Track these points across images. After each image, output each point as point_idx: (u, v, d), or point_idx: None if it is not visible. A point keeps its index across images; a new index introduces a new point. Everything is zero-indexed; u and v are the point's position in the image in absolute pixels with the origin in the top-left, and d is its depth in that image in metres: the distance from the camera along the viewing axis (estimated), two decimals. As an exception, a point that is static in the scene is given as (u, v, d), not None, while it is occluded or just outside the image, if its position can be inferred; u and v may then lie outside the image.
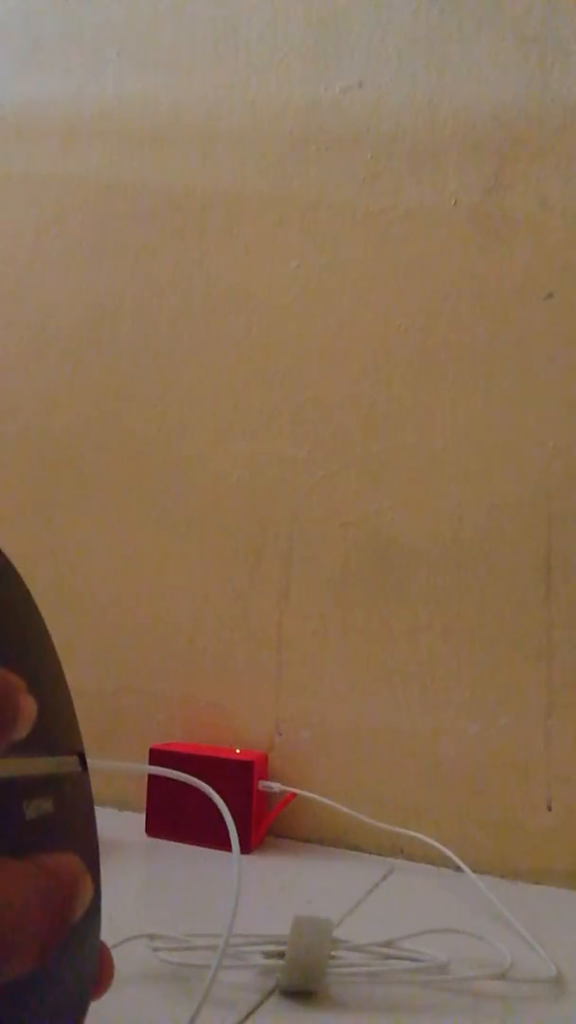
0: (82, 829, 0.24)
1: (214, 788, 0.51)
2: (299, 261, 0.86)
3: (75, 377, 0.95)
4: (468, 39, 0.81)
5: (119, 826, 0.79)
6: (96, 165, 0.96)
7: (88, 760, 0.26)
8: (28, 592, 0.26)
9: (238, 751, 0.80)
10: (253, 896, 0.64)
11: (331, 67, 0.86)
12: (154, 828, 0.78)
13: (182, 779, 0.49)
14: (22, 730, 0.20)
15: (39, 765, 0.23)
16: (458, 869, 0.71)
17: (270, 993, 0.49)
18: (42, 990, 0.20)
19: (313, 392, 0.84)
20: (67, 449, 0.94)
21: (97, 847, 0.25)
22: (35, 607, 0.26)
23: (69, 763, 0.25)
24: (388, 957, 0.52)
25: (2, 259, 1.00)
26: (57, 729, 0.25)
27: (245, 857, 0.72)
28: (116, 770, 0.85)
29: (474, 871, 0.70)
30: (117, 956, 0.51)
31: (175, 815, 0.77)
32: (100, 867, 0.25)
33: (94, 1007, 0.24)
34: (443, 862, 0.73)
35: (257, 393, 0.86)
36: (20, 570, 0.26)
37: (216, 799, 0.49)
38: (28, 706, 0.20)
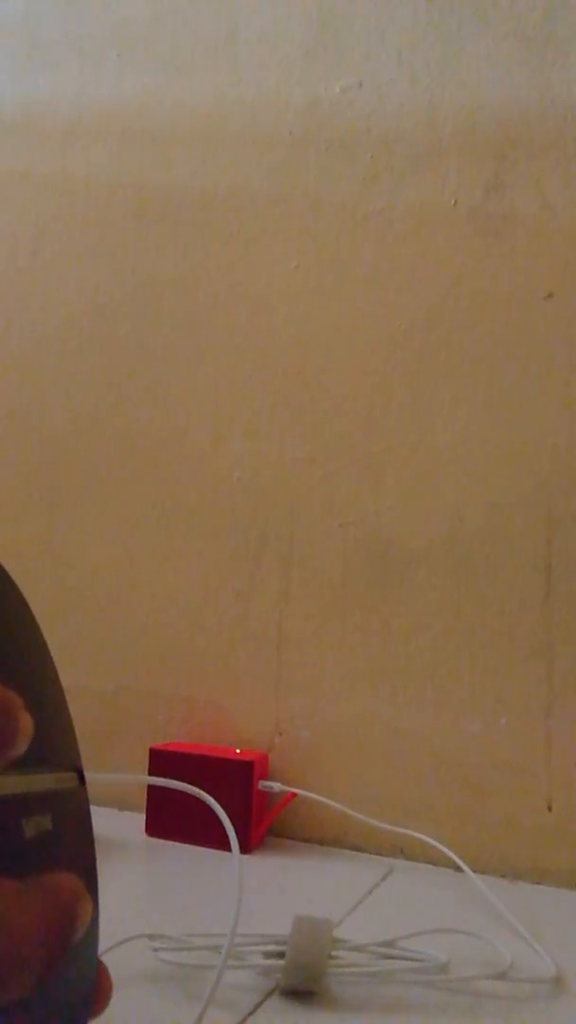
0: (80, 845, 0.24)
1: (214, 788, 0.51)
2: (299, 261, 0.86)
3: (75, 377, 0.95)
4: (468, 39, 0.81)
5: (119, 826, 0.79)
6: (96, 165, 0.96)
7: (86, 774, 0.26)
8: (27, 606, 0.26)
9: (238, 751, 0.80)
10: (253, 896, 0.64)
11: (331, 67, 0.86)
12: (154, 828, 0.78)
13: (180, 788, 0.49)
14: (20, 747, 0.20)
15: (38, 782, 0.23)
16: (458, 869, 0.71)
17: (270, 993, 0.49)
18: (39, 1009, 0.20)
19: (313, 392, 0.84)
20: (67, 449, 0.94)
21: (95, 863, 0.25)
22: (33, 621, 0.26)
23: (67, 779, 0.25)
24: (388, 957, 0.52)
25: (2, 259, 1.00)
26: (56, 745, 0.25)
27: (245, 857, 0.72)
28: (115, 782, 0.85)
29: (474, 871, 0.70)
30: (117, 956, 0.51)
31: (175, 815, 0.77)
32: (98, 882, 0.25)
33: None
34: (443, 862, 0.73)
35: (257, 393, 0.86)
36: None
37: (215, 806, 0.49)
38: (26, 723, 0.20)
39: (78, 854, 0.24)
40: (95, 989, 0.24)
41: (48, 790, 0.23)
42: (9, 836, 0.20)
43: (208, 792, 0.51)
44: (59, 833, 0.23)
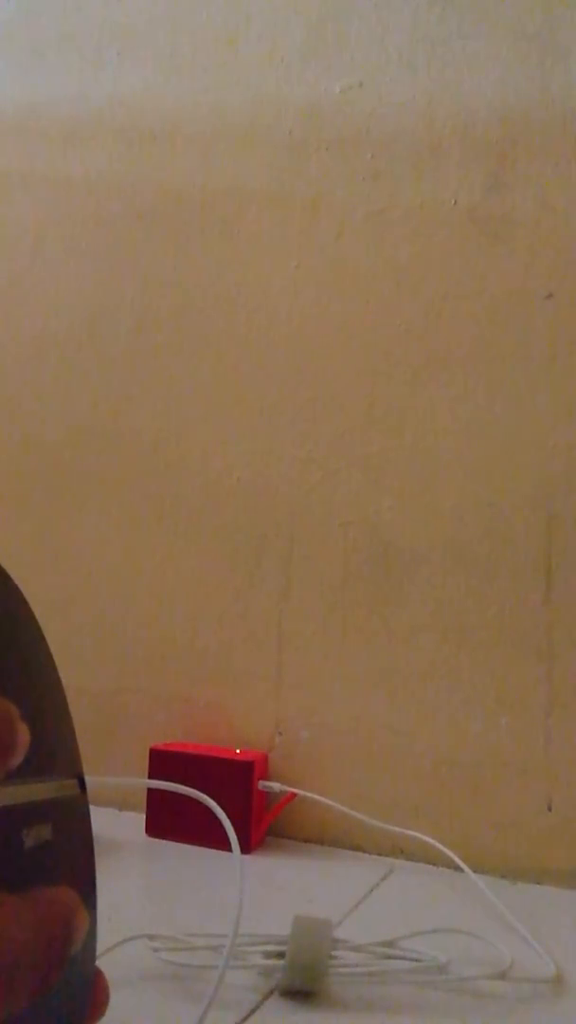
0: (79, 855, 0.24)
1: (214, 788, 0.51)
2: (299, 261, 0.86)
3: (75, 377, 0.95)
4: (468, 39, 0.81)
5: (119, 826, 0.79)
6: (96, 165, 0.96)
7: (87, 778, 0.26)
8: (30, 611, 0.26)
9: (238, 751, 0.80)
10: (253, 896, 0.64)
11: (331, 67, 0.86)
12: (154, 828, 0.78)
13: (180, 791, 0.49)
14: (17, 758, 0.20)
15: (39, 790, 0.23)
16: (458, 869, 0.71)
17: (270, 993, 0.49)
18: (35, 1021, 0.20)
19: (313, 392, 0.84)
20: (67, 449, 0.94)
21: (94, 872, 0.25)
22: (37, 627, 0.26)
23: (69, 786, 0.25)
24: (388, 957, 0.52)
25: (2, 259, 1.00)
26: (57, 753, 0.25)
27: (245, 857, 0.72)
28: (115, 786, 0.84)
29: (474, 871, 0.70)
30: (117, 956, 0.51)
31: (175, 815, 0.77)
32: (96, 891, 0.25)
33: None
34: (443, 862, 0.73)
35: (257, 393, 0.86)
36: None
37: (215, 807, 0.49)
38: (23, 734, 0.20)
39: (77, 863, 0.24)
40: (90, 999, 0.24)
41: (49, 799, 0.23)
42: (8, 848, 0.20)
43: (208, 792, 0.51)
44: (59, 842, 0.23)
